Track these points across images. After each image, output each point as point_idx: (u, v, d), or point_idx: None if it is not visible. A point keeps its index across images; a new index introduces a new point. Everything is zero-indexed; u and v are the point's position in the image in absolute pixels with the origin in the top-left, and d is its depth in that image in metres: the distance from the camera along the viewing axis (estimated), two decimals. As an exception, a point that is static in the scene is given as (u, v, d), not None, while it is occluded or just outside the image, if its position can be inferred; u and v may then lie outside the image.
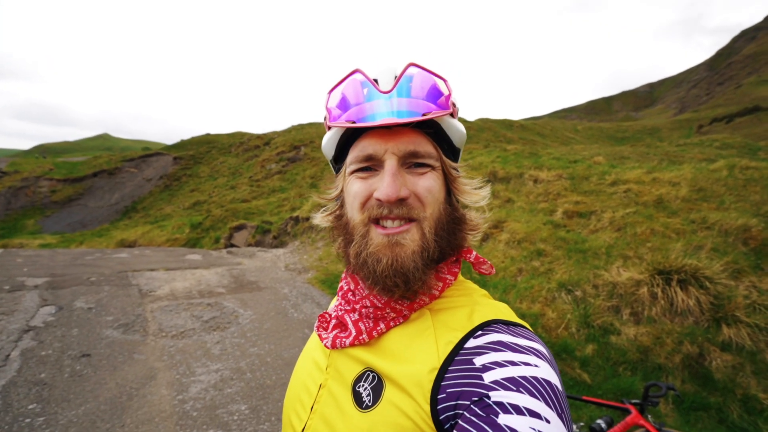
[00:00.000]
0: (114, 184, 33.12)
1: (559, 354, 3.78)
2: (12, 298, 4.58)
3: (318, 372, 0.66)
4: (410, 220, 0.57)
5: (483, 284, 5.34)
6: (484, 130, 28.49)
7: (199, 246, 11.48)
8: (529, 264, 5.28)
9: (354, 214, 0.60)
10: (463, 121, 30.98)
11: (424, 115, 0.55)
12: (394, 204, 0.56)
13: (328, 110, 0.61)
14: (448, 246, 0.61)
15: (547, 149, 12.23)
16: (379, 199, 0.56)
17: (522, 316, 4.42)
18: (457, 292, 0.63)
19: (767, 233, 4.53)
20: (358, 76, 0.58)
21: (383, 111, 0.55)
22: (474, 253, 0.66)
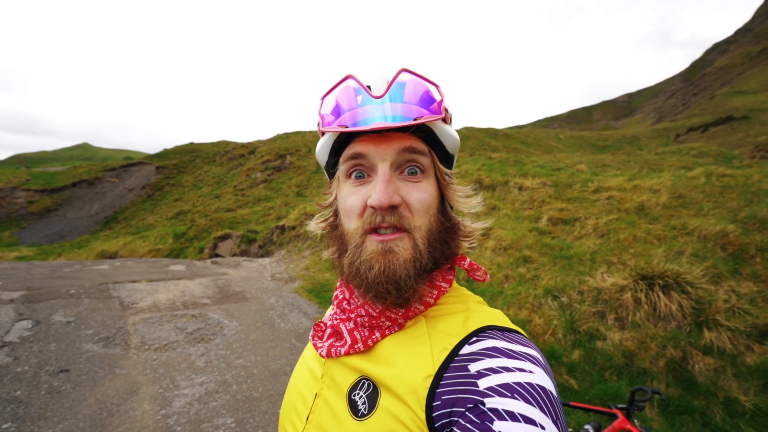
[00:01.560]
0: (94, 195, 32.37)
1: (547, 360, 3.81)
2: (-15, 312, 4.41)
3: (313, 381, 0.66)
4: (402, 229, 0.57)
5: (471, 291, 5.37)
6: (469, 138, 28.81)
7: (183, 256, 11.26)
8: (516, 270, 5.34)
9: (350, 224, 0.59)
10: (448, 130, 31.26)
11: (416, 119, 0.55)
12: (386, 211, 0.55)
13: (321, 116, 0.61)
14: (441, 255, 0.61)
15: (531, 157, 12.46)
16: (372, 207, 0.56)
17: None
18: (452, 299, 0.63)
19: (744, 239, 4.67)
20: (350, 82, 0.58)
21: (376, 116, 0.55)
22: (468, 260, 0.66)
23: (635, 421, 1.96)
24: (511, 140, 34.10)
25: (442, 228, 0.60)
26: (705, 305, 3.68)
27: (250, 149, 30.40)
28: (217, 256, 10.36)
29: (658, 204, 6.06)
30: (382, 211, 0.55)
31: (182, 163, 34.44)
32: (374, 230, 0.57)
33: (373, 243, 0.56)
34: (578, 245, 5.40)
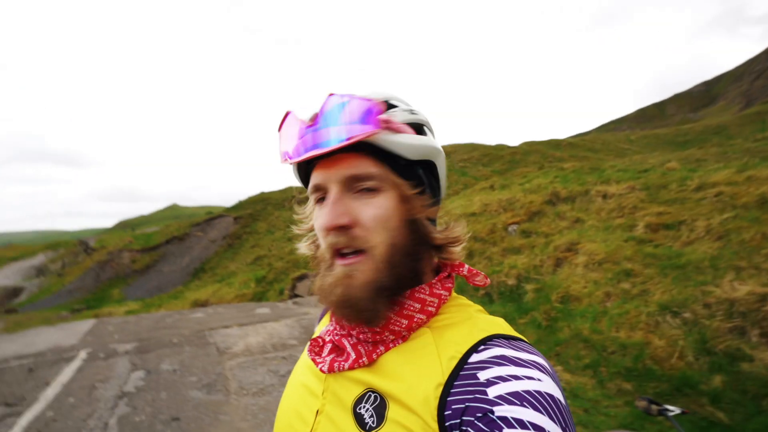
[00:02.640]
0: (184, 249, 35.69)
1: (681, 389, 3.26)
2: (107, 365, 4.84)
3: (312, 398, 0.64)
4: (360, 251, 0.57)
5: (567, 314, 4.90)
6: (530, 153, 27.71)
7: (265, 299, 11.78)
8: (618, 286, 4.78)
9: (322, 244, 0.61)
10: (505, 147, 30.48)
11: (349, 139, 0.54)
12: (338, 232, 0.56)
13: (281, 151, 0.64)
14: (410, 271, 0.60)
15: (608, 162, 11.52)
16: (323, 229, 0.58)
17: (622, 346, 3.93)
18: (453, 309, 0.63)
19: None
20: (290, 116, 0.62)
21: (311, 144, 0.57)
22: (466, 266, 0.66)
23: None
24: (576, 149, 32.21)
25: (407, 242, 0.59)
26: None
27: (314, 191, 31.75)
28: (296, 296, 10.68)
29: (783, 194, 5.18)
30: (335, 232, 0.56)
31: (255, 211, 36.98)
32: (338, 253, 0.58)
33: (338, 267, 0.58)
34: (691, 251, 4.73)
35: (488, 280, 0.68)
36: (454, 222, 0.65)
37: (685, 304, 3.90)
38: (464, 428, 0.48)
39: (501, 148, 29.65)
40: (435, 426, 0.50)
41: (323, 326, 0.78)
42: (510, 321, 5.41)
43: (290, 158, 0.60)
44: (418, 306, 0.60)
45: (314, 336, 0.75)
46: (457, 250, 0.64)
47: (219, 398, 3.88)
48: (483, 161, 26.93)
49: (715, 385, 3.15)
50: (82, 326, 7.32)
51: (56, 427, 3.37)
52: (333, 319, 0.69)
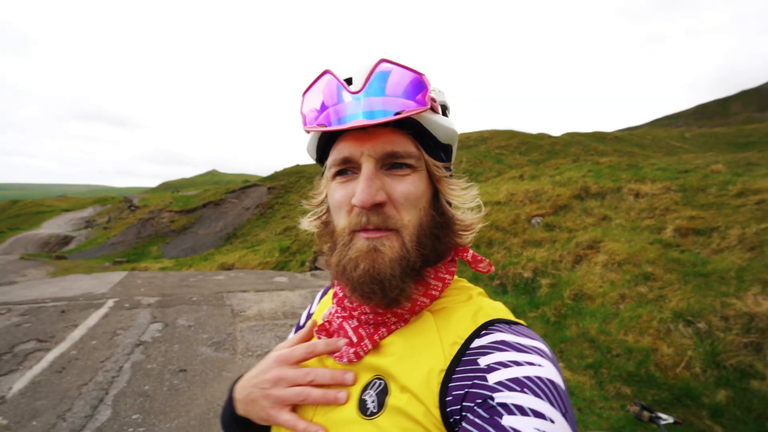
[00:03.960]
0: (219, 214, 37.16)
1: (681, 399, 3.15)
2: (129, 315, 5.21)
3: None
4: (389, 229, 0.55)
5: (578, 312, 4.78)
6: (572, 144, 26.54)
7: (287, 269, 12.17)
8: (634, 289, 4.61)
9: (339, 220, 0.58)
10: (546, 136, 29.33)
11: (397, 114, 0.52)
12: (370, 211, 0.54)
13: (303, 115, 0.59)
14: (432, 252, 0.58)
15: (648, 160, 10.89)
16: (355, 206, 0.54)
17: (628, 350, 3.82)
18: (455, 292, 0.62)
19: None
20: (328, 77, 0.56)
21: (354, 112, 0.53)
22: (471, 251, 0.65)
23: None
24: (622, 143, 30.55)
25: (433, 224, 0.58)
26: None
27: (347, 167, 31.95)
28: (316, 269, 10.97)
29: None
30: (367, 210, 0.54)
31: (289, 183, 37.81)
32: (362, 230, 0.55)
33: (360, 240, 0.55)
34: (718, 260, 4.46)
35: (492, 267, 0.66)
36: (468, 209, 0.63)
37: (702, 314, 3.71)
38: (464, 414, 0.47)
39: (541, 137, 28.55)
40: (437, 413, 0.49)
41: (325, 309, 0.75)
42: (520, 314, 5.36)
43: (328, 124, 0.55)
44: (422, 289, 0.59)
45: (315, 319, 0.73)
46: (467, 236, 0.63)
47: (225, 356, 4.10)
48: (521, 149, 26.08)
49: (719, 399, 3.02)
50: (114, 277, 7.86)
51: (77, 365, 3.70)
52: (335, 301, 0.66)
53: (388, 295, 0.54)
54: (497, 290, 6.35)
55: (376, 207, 0.54)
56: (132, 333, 4.55)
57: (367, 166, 0.54)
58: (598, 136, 32.30)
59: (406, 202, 0.55)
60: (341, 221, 0.57)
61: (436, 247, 0.59)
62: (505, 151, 25.96)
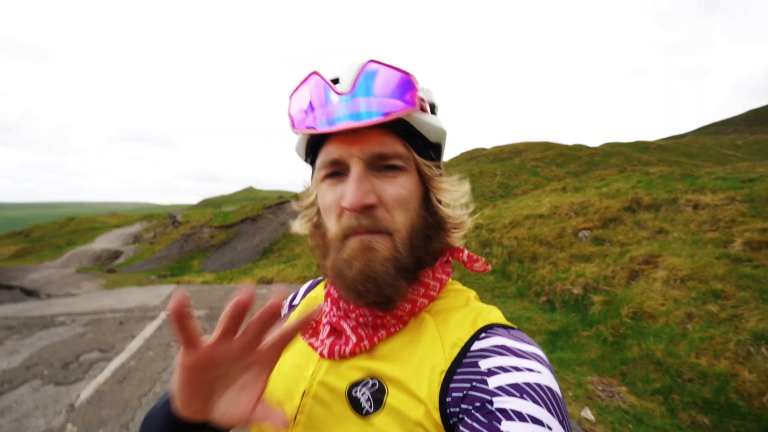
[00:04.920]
0: (256, 229, 38.26)
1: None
2: (181, 327, 5.39)
3: (301, 379, 0.60)
4: (380, 232, 0.54)
5: (639, 332, 4.49)
6: (612, 155, 25.51)
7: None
8: (702, 308, 4.28)
9: (331, 226, 0.57)
10: (583, 147, 28.38)
11: (387, 114, 0.51)
12: (361, 213, 0.53)
13: (290, 116, 0.58)
14: (425, 253, 0.59)
15: (703, 169, 10.26)
16: (345, 208, 0.53)
17: (701, 374, 3.53)
18: (452, 294, 0.62)
19: None
20: (315, 78, 0.55)
21: (342, 114, 0.52)
22: (466, 251, 0.64)
23: None
24: (667, 152, 29.07)
25: (425, 224, 0.58)
26: None
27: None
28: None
29: None
30: (357, 213, 0.53)
31: (322, 199, 38.38)
32: (354, 233, 0.54)
33: (353, 241, 0.54)
34: (800, 277, 4.08)
35: (488, 266, 0.66)
36: (458, 207, 0.62)
37: (787, 337, 3.38)
38: (461, 416, 0.47)
39: (578, 148, 27.67)
40: (437, 415, 0.49)
41: (311, 304, 0.73)
42: (571, 332, 5.10)
43: (314, 127, 0.54)
44: (421, 290, 0.58)
45: (300, 312, 0.72)
46: (459, 236, 0.63)
47: (274, 370, 4.14)
48: (557, 161, 25.35)
49: (818, 433, 2.71)
50: (165, 290, 8.19)
51: (137, 376, 3.82)
52: (328, 300, 0.64)
53: (383, 293, 0.53)
54: (544, 307, 6.09)
55: (367, 209, 0.53)
56: (185, 345, 4.68)
57: (355, 168, 0.54)
58: (640, 146, 30.91)
59: (398, 204, 0.55)
60: (332, 226, 0.57)
61: (428, 249, 0.59)
62: (541, 163, 25.31)
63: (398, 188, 0.55)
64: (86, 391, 3.49)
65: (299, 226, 0.68)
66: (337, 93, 0.53)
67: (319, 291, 0.75)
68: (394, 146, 0.55)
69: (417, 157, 0.57)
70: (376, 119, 0.51)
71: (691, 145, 33.59)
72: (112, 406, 3.25)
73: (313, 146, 0.61)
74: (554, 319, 5.54)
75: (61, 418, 3.05)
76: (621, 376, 3.99)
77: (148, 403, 3.31)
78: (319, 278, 0.81)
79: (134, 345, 4.61)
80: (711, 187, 6.95)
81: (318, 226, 0.63)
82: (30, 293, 14.45)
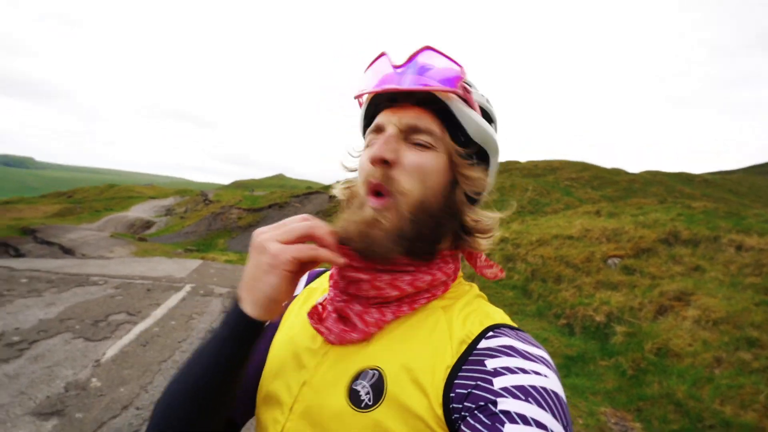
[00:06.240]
0: (282, 216, 38.71)
1: None
2: (204, 301, 5.56)
3: (302, 369, 0.59)
4: (390, 193, 0.56)
5: (661, 369, 4.32)
6: (652, 183, 24.46)
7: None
8: (734, 354, 4.08)
9: (360, 181, 0.60)
10: (622, 172, 27.35)
11: (425, 85, 0.55)
12: (378, 166, 0.56)
13: (359, 89, 0.64)
14: (430, 233, 0.58)
15: (751, 210, 9.72)
16: (369, 161, 0.57)
17: (725, 423, 3.37)
18: (462, 290, 0.62)
19: None
20: (383, 58, 0.61)
21: (391, 82, 0.57)
22: (483, 255, 0.65)
23: None
24: (713, 188, 27.65)
25: (438, 206, 0.58)
26: None
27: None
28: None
29: None
30: (376, 165, 0.56)
31: (350, 194, 38.65)
32: (373, 191, 0.57)
33: (368, 210, 0.56)
34: None
35: (503, 274, 0.67)
36: (492, 220, 0.63)
37: (825, 397, 3.17)
38: (464, 414, 0.46)
39: (617, 172, 26.71)
40: (440, 410, 0.48)
41: (313, 294, 0.72)
42: (588, 360, 4.96)
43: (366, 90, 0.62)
44: (428, 278, 0.58)
45: (303, 297, 0.72)
46: (483, 242, 0.63)
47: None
48: (593, 184, 24.54)
49: None
50: (192, 264, 8.48)
51: (159, 342, 3.99)
52: (332, 284, 0.64)
53: (377, 252, 0.55)
54: (563, 330, 5.94)
55: (385, 165, 0.56)
56: (205, 319, 4.84)
57: (389, 131, 0.58)
58: (684, 178, 29.51)
59: (414, 171, 0.56)
60: (360, 179, 0.60)
61: (436, 232, 0.59)
62: (576, 183, 24.56)
63: (420, 158, 0.57)
64: (112, 349, 3.68)
65: (339, 191, 0.69)
66: (393, 66, 0.59)
67: (322, 281, 0.75)
68: (429, 124, 0.58)
69: (449, 141, 0.59)
70: (411, 87, 0.56)
71: (740, 182, 31.84)
72: (134, 368, 3.41)
73: (370, 117, 0.66)
74: (572, 343, 5.40)
75: (87, 372, 3.23)
76: (637, 412, 3.85)
77: (168, 369, 3.46)
78: (320, 269, 0.80)
79: (159, 312, 4.81)
80: (758, 230, 6.59)
81: (355, 195, 0.63)
82: (67, 251, 15.26)
